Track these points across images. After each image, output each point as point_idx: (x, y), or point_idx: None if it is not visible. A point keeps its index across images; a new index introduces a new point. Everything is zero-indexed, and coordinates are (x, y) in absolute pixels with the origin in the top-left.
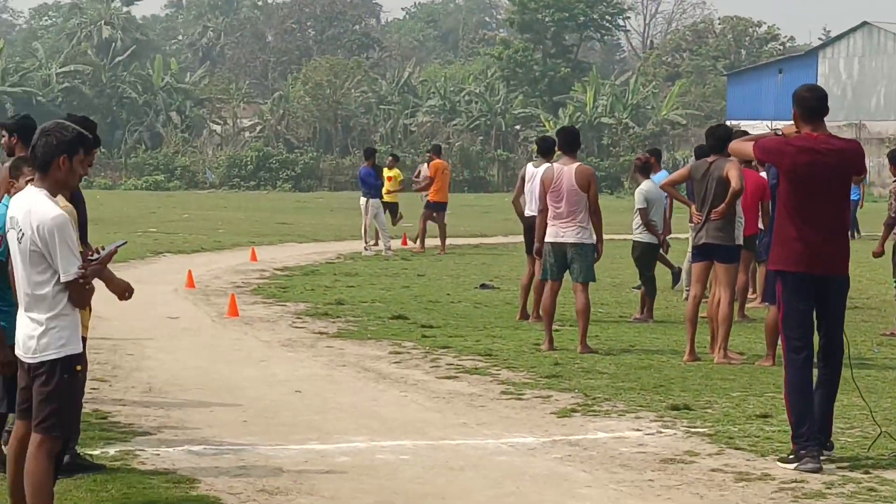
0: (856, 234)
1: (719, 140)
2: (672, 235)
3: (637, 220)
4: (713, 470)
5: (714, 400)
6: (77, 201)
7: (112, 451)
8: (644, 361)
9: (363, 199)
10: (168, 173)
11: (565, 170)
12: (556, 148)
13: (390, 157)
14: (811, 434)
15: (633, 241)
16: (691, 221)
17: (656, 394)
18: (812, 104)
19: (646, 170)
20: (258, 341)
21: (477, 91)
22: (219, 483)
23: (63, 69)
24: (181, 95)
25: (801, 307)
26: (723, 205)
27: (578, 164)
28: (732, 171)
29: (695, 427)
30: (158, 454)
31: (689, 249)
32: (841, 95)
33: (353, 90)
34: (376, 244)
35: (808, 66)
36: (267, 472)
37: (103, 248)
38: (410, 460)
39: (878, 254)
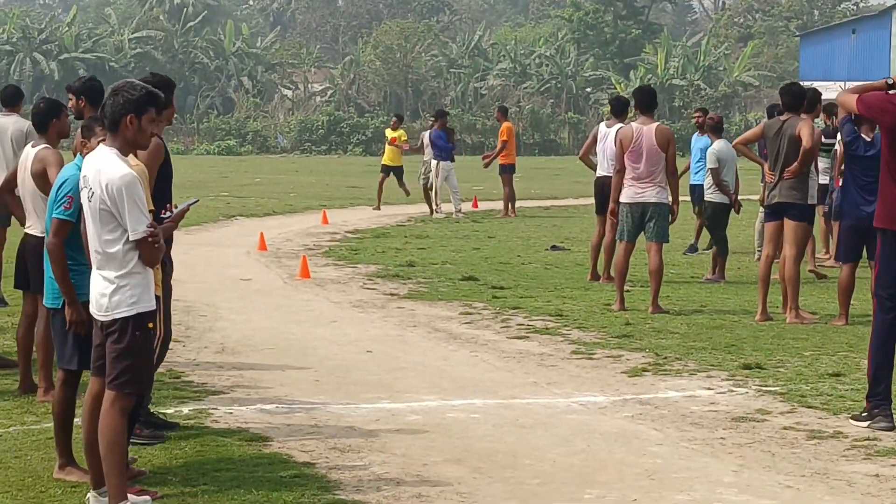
0: None
1: (794, 98)
2: (742, 196)
3: (708, 179)
4: (785, 428)
5: (786, 359)
6: (164, 159)
7: (186, 409)
8: (716, 321)
9: (433, 162)
10: (240, 138)
11: (644, 129)
12: (633, 107)
13: (395, 118)
14: (887, 394)
15: (705, 201)
16: (763, 180)
17: (728, 353)
18: None
19: (718, 129)
20: (329, 302)
21: (547, 54)
22: (291, 441)
23: (135, 35)
24: (252, 60)
25: None
26: (795, 163)
27: (657, 123)
28: (805, 129)
29: (766, 386)
30: (232, 413)
31: (761, 209)
32: None
33: (423, 54)
34: (438, 208)
35: (882, 25)
36: (339, 431)
37: (176, 207)
38: (481, 419)
39: None
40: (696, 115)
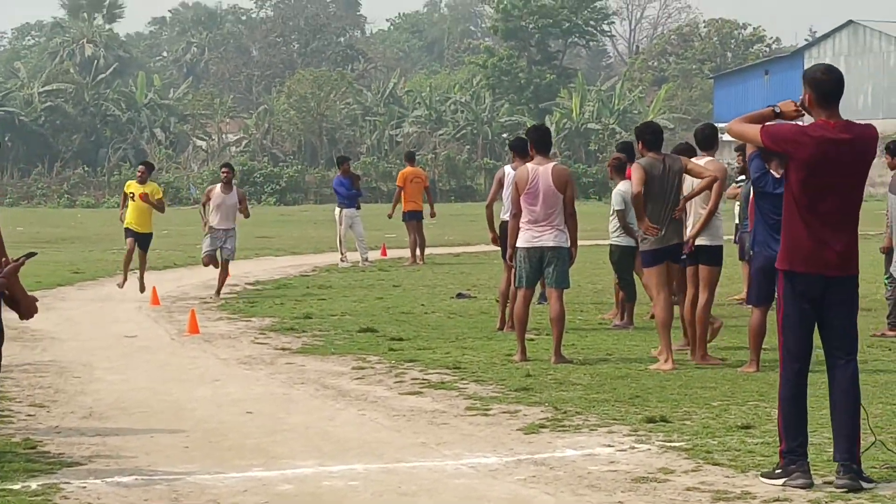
0: None
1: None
2: None
3: (614, 222)
4: (689, 489)
5: (693, 410)
6: None
7: (34, 484)
8: (621, 370)
9: (337, 209)
10: None
11: (541, 170)
12: (529, 148)
13: (141, 167)
14: (804, 449)
15: (611, 245)
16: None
17: (632, 405)
18: (829, 88)
19: (621, 169)
20: (216, 359)
21: (463, 100)
22: None
23: (45, 88)
24: (165, 112)
25: (806, 310)
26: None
27: (554, 163)
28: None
29: (671, 441)
30: (85, 487)
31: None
32: None
33: (337, 102)
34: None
35: (794, 66)
36: None
37: (14, 260)
38: (360, 486)
39: (887, 249)
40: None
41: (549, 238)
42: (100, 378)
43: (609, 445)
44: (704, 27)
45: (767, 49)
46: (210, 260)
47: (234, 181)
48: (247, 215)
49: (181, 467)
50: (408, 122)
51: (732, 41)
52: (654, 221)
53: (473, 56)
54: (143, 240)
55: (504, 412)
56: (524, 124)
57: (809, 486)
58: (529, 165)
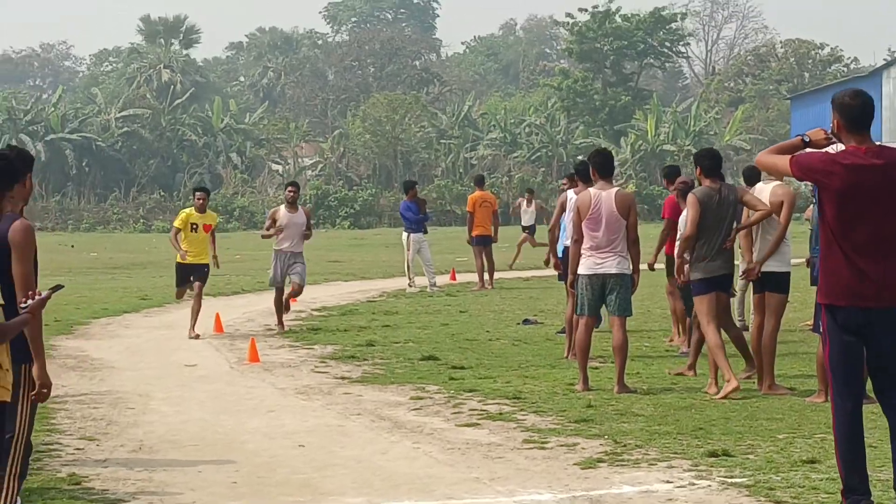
0: None
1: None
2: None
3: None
4: None
5: (757, 444)
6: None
7: None
8: (685, 401)
9: (405, 234)
10: (227, 215)
11: (603, 195)
12: (592, 172)
13: (199, 194)
14: (865, 487)
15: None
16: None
17: (694, 437)
18: (857, 113)
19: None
20: (273, 389)
21: (537, 122)
22: None
23: (122, 113)
24: (241, 136)
25: (852, 343)
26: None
27: (617, 188)
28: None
29: (732, 476)
30: None
31: (740, 278)
32: None
33: (412, 125)
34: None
35: (872, 86)
36: None
37: (39, 294)
38: None
39: None
40: (563, 181)
41: (611, 265)
42: (154, 409)
43: (668, 481)
44: (781, 48)
45: (845, 69)
46: (281, 290)
47: (299, 202)
48: (308, 236)
49: None
50: (482, 145)
51: (810, 61)
52: (705, 251)
53: (548, 78)
54: (200, 271)
55: (562, 445)
56: (599, 146)
57: None
58: (592, 190)
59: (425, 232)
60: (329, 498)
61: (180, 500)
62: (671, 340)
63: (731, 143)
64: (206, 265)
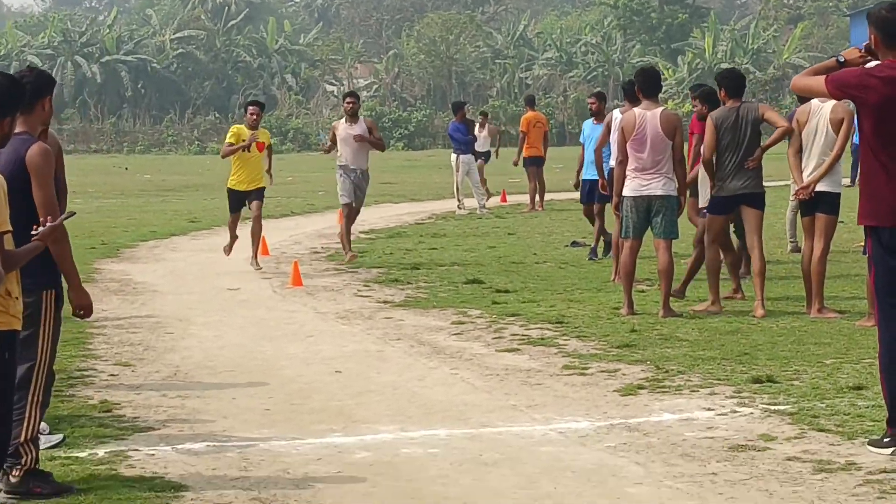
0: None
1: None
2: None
3: None
4: (789, 459)
5: (803, 369)
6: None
7: (102, 451)
8: (732, 325)
9: (454, 156)
10: (281, 136)
11: (648, 115)
12: (637, 91)
13: (252, 108)
14: None
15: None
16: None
17: (739, 363)
18: (895, 26)
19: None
20: (314, 313)
21: (593, 42)
22: (208, 491)
23: (177, 35)
24: (295, 57)
25: None
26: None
27: (663, 108)
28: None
29: (776, 404)
30: (154, 454)
31: (792, 198)
32: None
33: (467, 45)
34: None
35: None
36: (269, 475)
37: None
38: (440, 454)
39: None
40: (591, 100)
41: (657, 186)
42: (193, 334)
43: (709, 409)
44: None
45: None
46: (351, 209)
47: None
48: (381, 147)
49: (257, 432)
50: (538, 65)
51: None
52: (721, 171)
53: None
54: (255, 195)
55: (602, 371)
56: (656, 65)
57: None
58: (637, 110)
59: (474, 153)
60: (362, 426)
61: (211, 427)
62: None
63: (789, 61)
64: (262, 188)
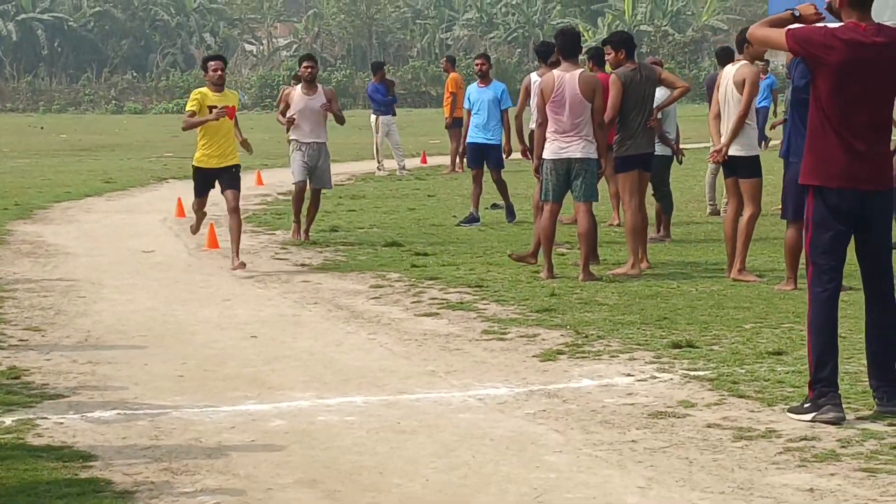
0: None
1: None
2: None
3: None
4: (709, 426)
5: (723, 334)
6: None
7: (8, 420)
8: (652, 289)
9: (373, 117)
10: None
11: (567, 77)
12: (556, 53)
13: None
14: (834, 379)
15: (658, 155)
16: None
17: (658, 328)
18: None
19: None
20: (230, 277)
21: (514, 2)
22: (118, 461)
23: None
24: (214, 16)
25: (839, 228)
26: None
27: (581, 70)
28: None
29: (695, 369)
30: (62, 423)
31: (709, 162)
32: None
33: (388, 5)
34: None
35: None
36: (180, 444)
37: None
38: (356, 422)
39: None
40: (478, 61)
41: (576, 149)
42: (105, 298)
43: (629, 374)
44: None
45: None
46: (302, 189)
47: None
48: (341, 119)
49: (170, 400)
50: (458, 25)
51: None
52: (629, 130)
53: None
54: (229, 176)
55: (522, 336)
56: (576, 26)
57: (841, 420)
58: (556, 72)
59: (394, 114)
60: (276, 393)
61: (122, 395)
62: (611, 224)
63: (708, 24)
64: (236, 166)
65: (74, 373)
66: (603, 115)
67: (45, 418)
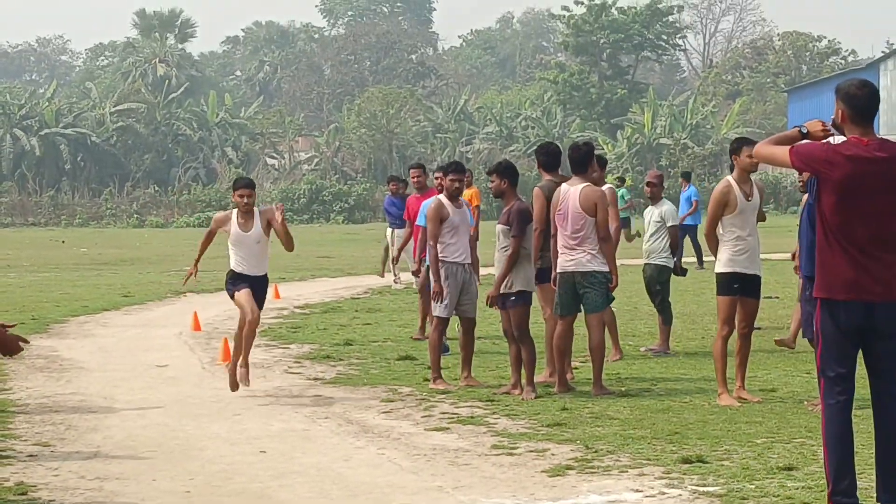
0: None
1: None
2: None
3: (658, 242)
4: None
5: (734, 449)
6: None
7: None
8: (664, 403)
9: (389, 230)
10: (221, 209)
11: (571, 191)
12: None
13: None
14: (853, 489)
15: (655, 265)
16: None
17: (669, 443)
18: (864, 104)
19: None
20: (242, 391)
21: (534, 116)
22: None
23: (117, 108)
24: (236, 130)
25: (847, 341)
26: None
27: (586, 184)
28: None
29: (705, 485)
30: None
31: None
32: None
33: (408, 119)
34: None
35: (870, 78)
36: None
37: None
38: None
39: None
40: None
41: (579, 262)
42: (116, 413)
43: (638, 490)
44: (779, 40)
45: (843, 62)
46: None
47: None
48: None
49: None
50: (478, 139)
51: (807, 54)
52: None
53: (545, 72)
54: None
55: (531, 451)
56: (595, 140)
57: None
58: (563, 186)
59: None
60: None
61: None
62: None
63: (727, 136)
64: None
65: (82, 489)
66: (606, 229)
67: None
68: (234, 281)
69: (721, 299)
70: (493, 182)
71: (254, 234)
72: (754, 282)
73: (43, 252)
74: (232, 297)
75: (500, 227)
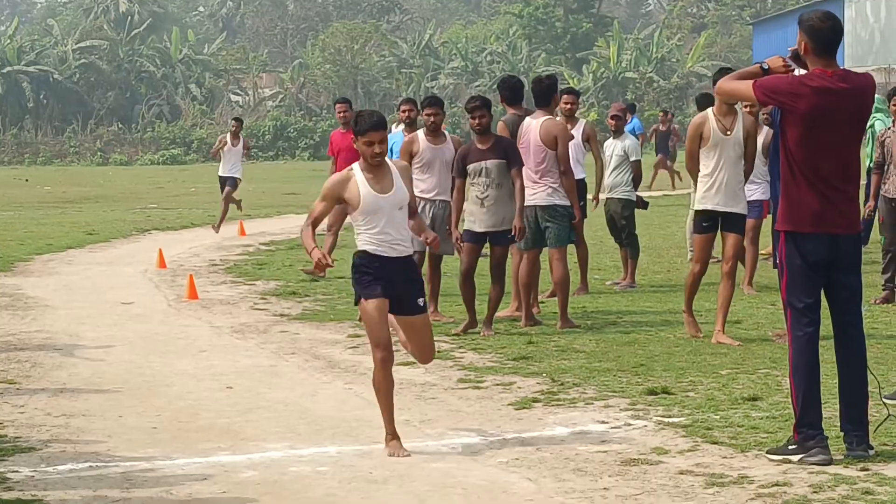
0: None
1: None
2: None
3: (620, 176)
4: (681, 472)
5: (699, 380)
6: None
7: None
8: (630, 336)
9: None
10: (185, 147)
11: (533, 124)
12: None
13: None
14: (819, 422)
15: (619, 199)
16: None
17: (635, 375)
18: (828, 36)
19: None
20: (209, 327)
21: (499, 51)
22: None
23: (79, 45)
24: (200, 67)
25: (813, 273)
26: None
27: (547, 118)
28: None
29: (670, 416)
30: (34, 476)
31: (691, 209)
32: (869, 40)
33: (373, 55)
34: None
35: (834, 10)
36: (151, 497)
37: None
38: (328, 472)
39: (872, 209)
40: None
41: (540, 197)
42: (81, 350)
43: (603, 422)
44: None
45: None
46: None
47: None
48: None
49: (142, 452)
50: (444, 74)
51: None
52: None
53: (510, 5)
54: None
55: (498, 384)
56: (561, 74)
57: (829, 463)
58: (527, 119)
59: None
60: (249, 444)
61: (95, 447)
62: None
63: (693, 70)
64: None
65: (48, 425)
66: (567, 162)
67: (17, 471)
68: (366, 273)
69: (695, 237)
70: (480, 117)
71: (394, 197)
72: (732, 219)
73: (6, 191)
74: (357, 302)
75: (491, 162)
